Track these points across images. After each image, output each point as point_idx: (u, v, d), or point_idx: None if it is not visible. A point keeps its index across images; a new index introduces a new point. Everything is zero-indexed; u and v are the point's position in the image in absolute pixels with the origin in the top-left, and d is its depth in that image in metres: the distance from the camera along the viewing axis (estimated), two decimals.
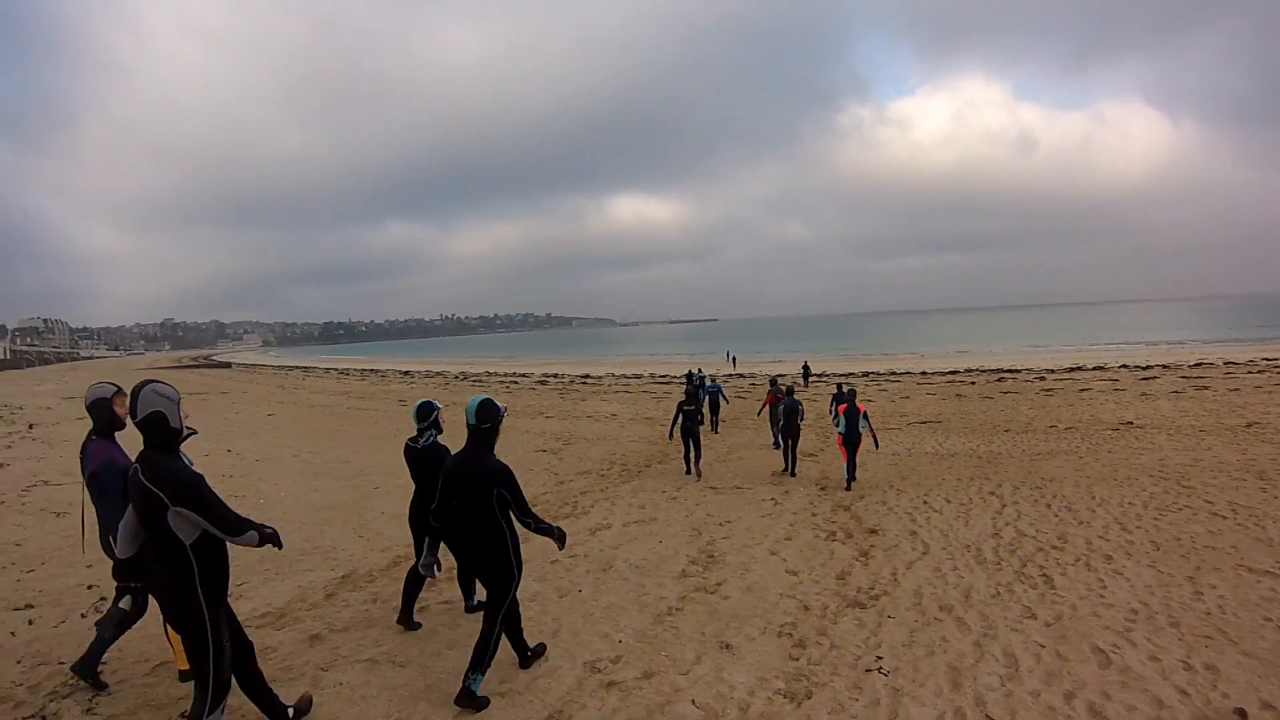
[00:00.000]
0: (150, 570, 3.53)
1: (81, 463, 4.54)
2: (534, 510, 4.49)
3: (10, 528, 8.79)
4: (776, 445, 15.06)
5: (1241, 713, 4.17)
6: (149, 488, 3.30)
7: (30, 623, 5.74)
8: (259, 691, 3.90)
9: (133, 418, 3.42)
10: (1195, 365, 32.36)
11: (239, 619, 3.96)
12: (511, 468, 4.45)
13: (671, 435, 12.79)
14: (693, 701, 4.43)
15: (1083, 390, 24.86)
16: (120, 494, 4.29)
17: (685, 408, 12.39)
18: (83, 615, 5.90)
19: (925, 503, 9.69)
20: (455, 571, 5.99)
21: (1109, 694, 4.43)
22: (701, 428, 12.84)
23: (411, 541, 8.06)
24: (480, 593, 6.01)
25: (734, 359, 56.73)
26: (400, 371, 60.70)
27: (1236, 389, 22.52)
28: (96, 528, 4.49)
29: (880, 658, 5.03)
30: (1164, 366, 32.55)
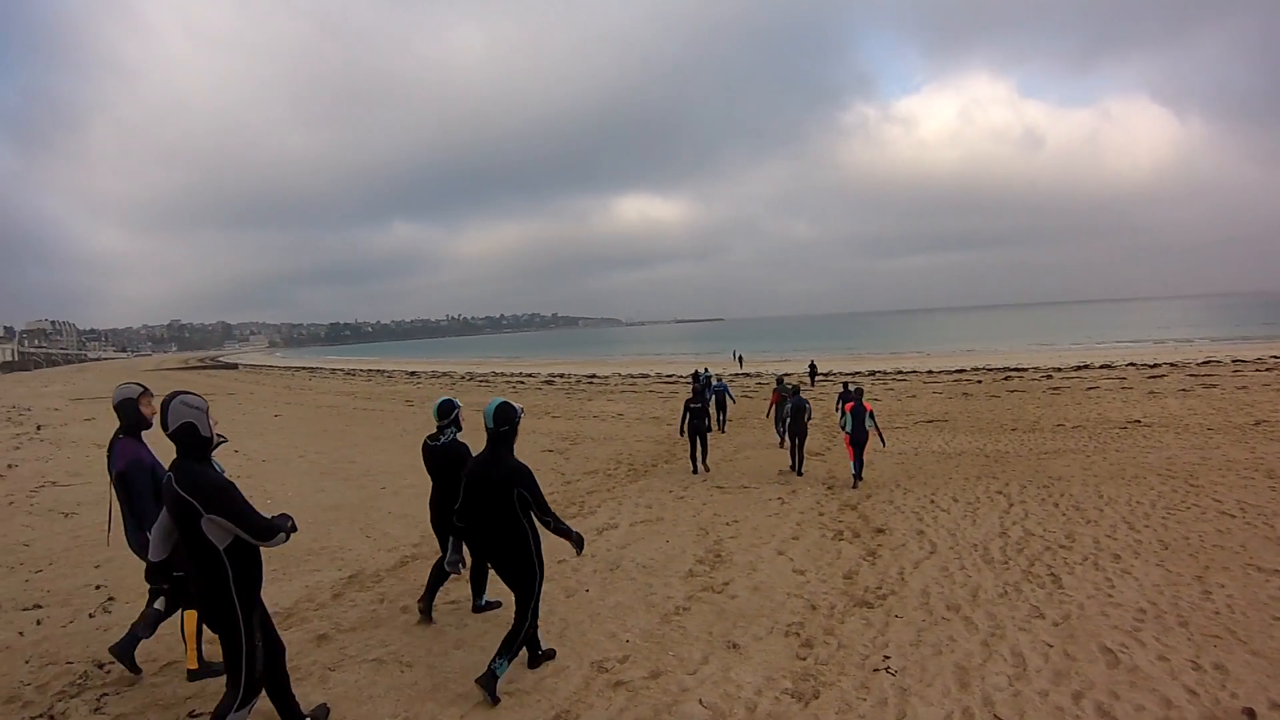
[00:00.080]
0: (184, 572, 3.62)
1: (109, 460, 4.62)
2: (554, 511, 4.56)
3: (18, 528, 8.84)
4: (782, 444, 15.07)
5: (1250, 712, 4.15)
6: (183, 496, 3.39)
7: (38, 623, 5.77)
8: (281, 694, 3.94)
9: (164, 430, 3.50)
10: (1203, 363, 32.21)
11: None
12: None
13: (682, 432, 12.87)
14: (700, 701, 4.43)
15: (1090, 389, 24.77)
16: (149, 490, 4.45)
17: (692, 405, 12.55)
18: (90, 615, 5.92)
19: (932, 502, 9.68)
20: (469, 570, 6.01)
21: (1117, 694, 4.41)
22: (710, 434, 12.93)
23: (417, 541, 8.12)
24: (492, 593, 6.04)
25: (740, 358, 56.66)
26: (407, 372, 60.79)
27: (1244, 387, 22.41)
28: (122, 524, 4.61)
29: (888, 657, 5.01)
30: (1172, 365, 32.41)
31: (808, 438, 12.50)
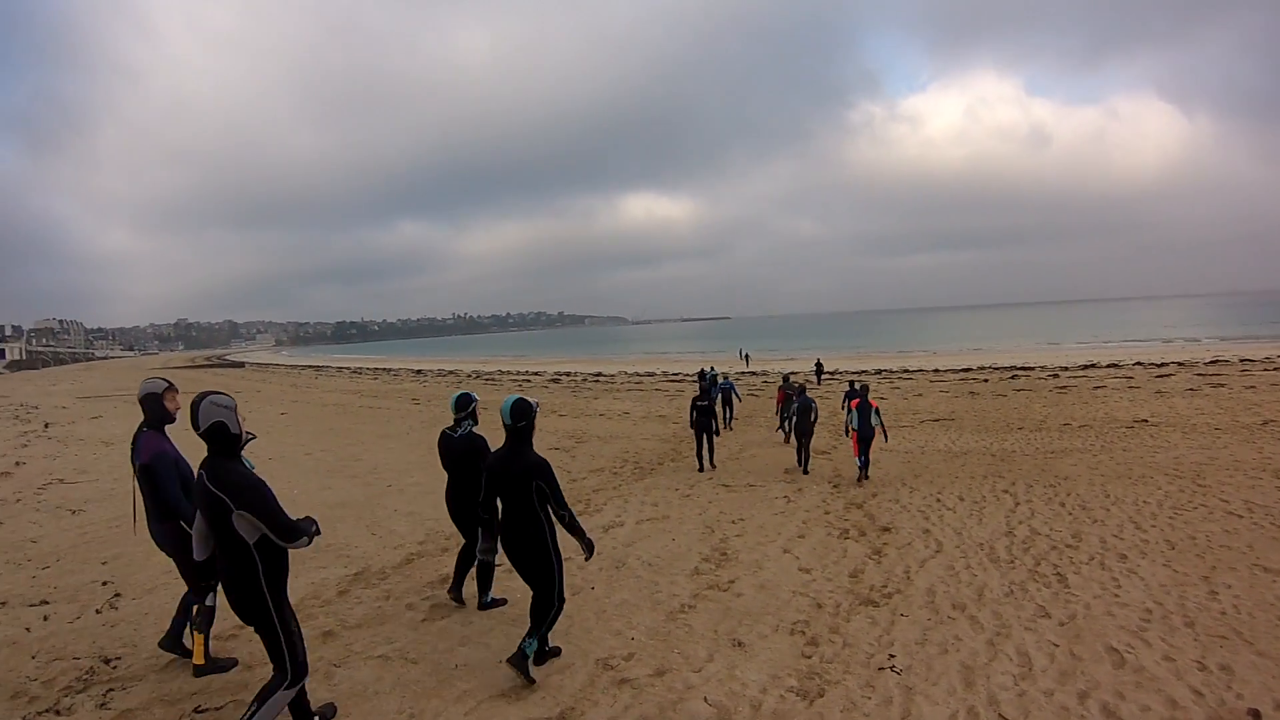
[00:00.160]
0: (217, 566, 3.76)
1: (133, 453, 4.74)
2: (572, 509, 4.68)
3: (26, 525, 8.88)
4: (787, 440, 15.07)
5: (1255, 713, 4.13)
6: (214, 492, 3.52)
7: (45, 618, 5.79)
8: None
9: (195, 429, 3.60)
10: (1210, 363, 32.07)
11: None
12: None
13: (692, 423, 12.94)
14: (705, 699, 4.43)
15: (1097, 388, 24.69)
16: (175, 481, 4.61)
17: (699, 403, 12.64)
18: (97, 611, 5.95)
19: (938, 500, 9.66)
20: (475, 568, 6.04)
21: (1123, 694, 4.40)
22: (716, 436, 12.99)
23: (423, 539, 8.14)
24: (497, 590, 6.07)
25: (747, 357, 56.63)
26: (413, 370, 60.86)
27: (1252, 386, 22.32)
28: (145, 516, 4.77)
29: (893, 656, 5.01)
30: (1179, 364, 32.27)
31: (814, 436, 12.50)
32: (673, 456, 14.13)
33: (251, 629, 3.79)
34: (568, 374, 48.01)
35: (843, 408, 16.45)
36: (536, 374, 49.74)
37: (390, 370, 63.53)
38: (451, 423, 5.93)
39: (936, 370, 37.46)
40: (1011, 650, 5.05)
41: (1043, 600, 5.99)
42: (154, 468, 4.60)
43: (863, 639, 5.31)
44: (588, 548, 4.70)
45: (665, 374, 44.44)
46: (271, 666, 3.79)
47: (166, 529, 4.69)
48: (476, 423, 5.90)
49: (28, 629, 5.58)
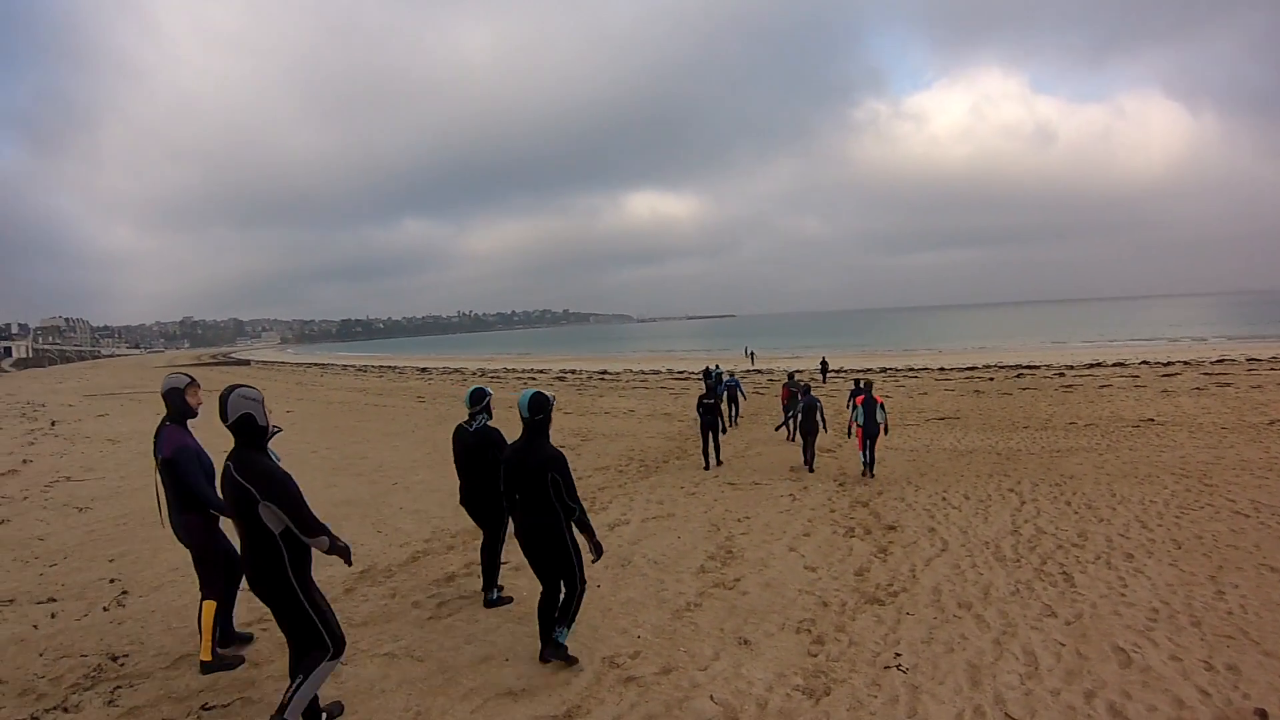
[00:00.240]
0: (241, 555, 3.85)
1: (155, 447, 4.84)
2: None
3: (34, 523, 8.92)
4: (790, 438, 15.06)
5: (1262, 713, 4.12)
6: (241, 482, 3.59)
7: (53, 616, 5.82)
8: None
9: (223, 421, 3.67)
10: (1217, 362, 31.98)
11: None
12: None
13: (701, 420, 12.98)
14: (711, 697, 4.43)
15: (1103, 387, 24.63)
16: (199, 473, 4.74)
17: (705, 401, 12.64)
18: (105, 609, 5.97)
19: (944, 499, 9.65)
20: (480, 567, 6.06)
21: (1129, 694, 4.39)
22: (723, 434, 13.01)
23: (429, 537, 8.16)
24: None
25: (752, 355, 56.59)
26: (418, 369, 60.90)
27: (1259, 385, 22.25)
28: (165, 509, 4.88)
29: (899, 655, 5.00)
30: (1185, 363, 32.19)
31: (819, 434, 12.49)
32: (678, 454, 14.13)
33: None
34: (573, 372, 48.03)
35: (848, 406, 16.45)
36: (541, 372, 49.80)
37: (395, 368, 63.64)
38: (466, 418, 6.01)
39: (942, 369, 37.40)
40: (1018, 649, 5.04)
41: (1049, 599, 5.97)
42: (177, 461, 4.70)
43: (869, 637, 5.31)
44: (596, 549, 4.78)
45: (670, 372, 44.46)
46: (284, 661, 3.80)
47: (188, 522, 4.78)
48: (491, 416, 6.00)
49: (35, 626, 5.60)
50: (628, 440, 16.43)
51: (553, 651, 4.80)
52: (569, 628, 4.84)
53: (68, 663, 4.94)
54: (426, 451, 14.59)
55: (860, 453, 11.45)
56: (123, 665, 4.88)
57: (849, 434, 12.04)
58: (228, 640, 5.08)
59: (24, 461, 13.51)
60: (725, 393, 17.91)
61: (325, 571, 6.91)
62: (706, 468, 12.45)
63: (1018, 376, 30.29)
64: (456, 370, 56.21)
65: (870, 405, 11.25)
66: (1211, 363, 31.66)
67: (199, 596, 4.88)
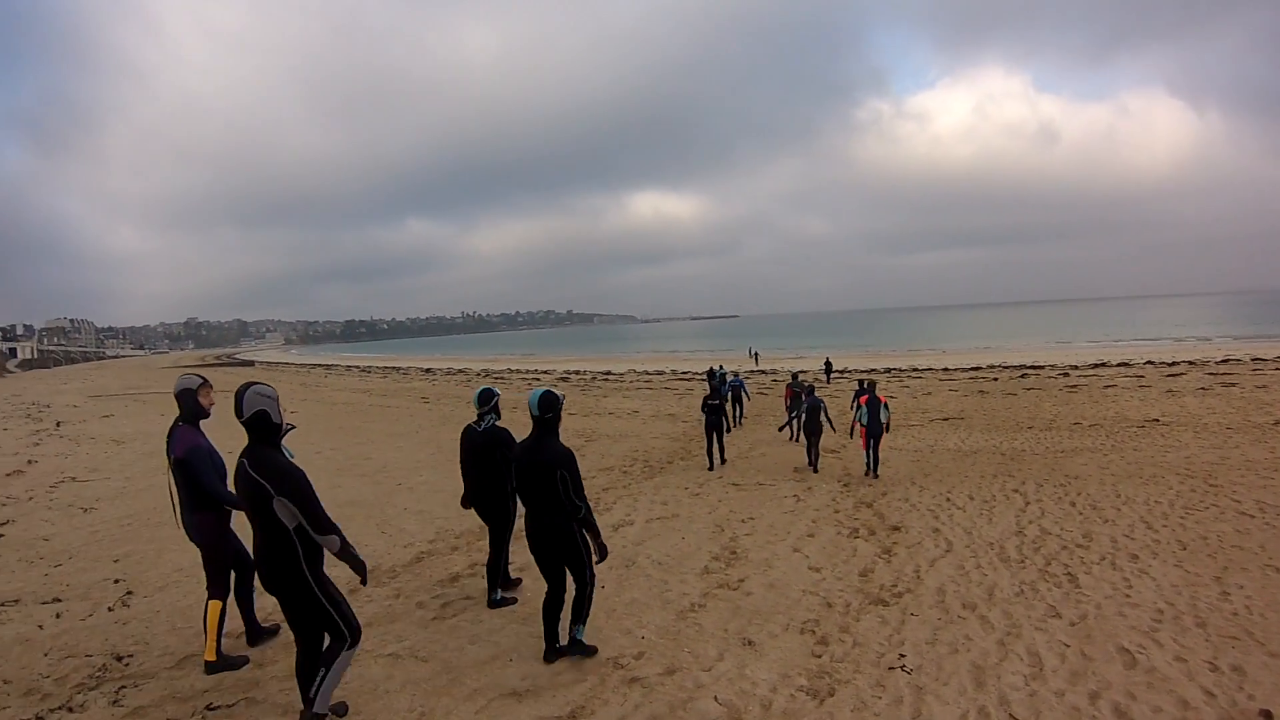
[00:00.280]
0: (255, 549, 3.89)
1: (168, 446, 4.89)
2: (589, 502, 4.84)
3: (39, 523, 8.95)
4: (793, 438, 15.06)
5: (1267, 714, 4.11)
6: (255, 478, 3.63)
7: (58, 616, 5.84)
8: (309, 679, 3.98)
9: (238, 417, 3.72)
10: (1222, 362, 31.85)
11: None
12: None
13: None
14: (715, 698, 4.43)
15: (1107, 387, 24.56)
16: (211, 471, 4.80)
17: (710, 402, 12.65)
18: (109, 609, 5.99)
19: (948, 500, 9.63)
20: (485, 566, 6.07)
21: (1134, 695, 4.38)
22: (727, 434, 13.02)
23: (432, 538, 8.17)
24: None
25: (756, 355, 56.56)
26: (422, 369, 60.91)
27: (1264, 385, 22.16)
28: (178, 508, 4.93)
29: (903, 655, 5.00)
30: (1190, 363, 32.06)
31: (823, 435, 12.49)
32: (682, 455, 14.13)
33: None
34: (577, 372, 48.00)
35: (852, 406, 16.45)
36: (545, 372, 49.79)
37: (399, 369, 63.67)
38: (475, 418, 6.05)
39: (946, 369, 37.29)
40: (1022, 650, 5.04)
41: (1053, 600, 5.96)
42: (189, 461, 4.75)
43: (873, 638, 5.31)
44: (599, 550, 4.82)
45: (674, 372, 44.40)
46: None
47: (201, 521, 4.83)
48: (499, 417, 6.06)
49: (40, 626, 5.62)
50: (632, 441, 16.43)
51: (571, 648, 4.91)
52: (584, 624, 4.96)
53: (73, 663, 4.96)
54: (431, 452, 14.61)
55: (864, 453, 11.46)
56: (127, 665, 4.90)
57: (851, 434, 12.03)
58: (255, 637, 5.18)
59: (29, 462, 13.55)
60: (729, 393, 17.91)
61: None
62: (711, 468, 12.44)
63: (1022, 377, 30.21)
64: (461, 371, 56.21)
65: (874, 405, 11.25)
66: (1216, 363, 31.54)
67: (205, 596, 4.90)
